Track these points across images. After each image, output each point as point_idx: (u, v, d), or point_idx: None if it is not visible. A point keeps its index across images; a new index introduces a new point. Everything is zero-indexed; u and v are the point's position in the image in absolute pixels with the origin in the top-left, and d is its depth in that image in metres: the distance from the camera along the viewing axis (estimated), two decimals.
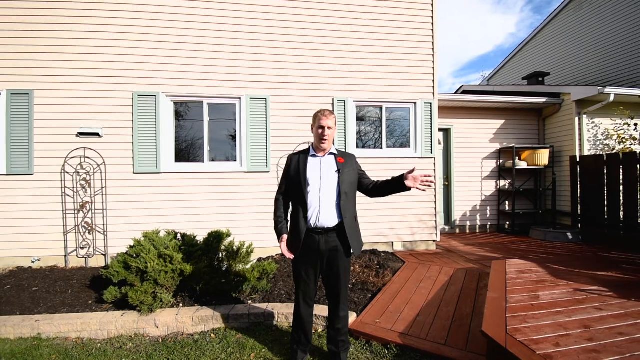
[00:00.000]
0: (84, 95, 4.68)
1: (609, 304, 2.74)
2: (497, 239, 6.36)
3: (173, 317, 2.99)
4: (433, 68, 5.51)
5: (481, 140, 7.04)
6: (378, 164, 5.26)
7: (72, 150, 4.64)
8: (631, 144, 6.25)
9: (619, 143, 6.32)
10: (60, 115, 4.63)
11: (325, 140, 2.28)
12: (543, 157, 6.71)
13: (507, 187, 7.11)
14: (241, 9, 5.02)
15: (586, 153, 6.33)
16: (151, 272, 3.09)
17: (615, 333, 2.24)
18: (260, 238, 4.70)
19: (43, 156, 4.59)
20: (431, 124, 5.49)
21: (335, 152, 2.37)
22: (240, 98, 5.02)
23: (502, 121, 7.10)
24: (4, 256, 4.51)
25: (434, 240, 5.56)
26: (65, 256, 4.61)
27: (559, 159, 6.85)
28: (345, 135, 5.26)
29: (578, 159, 6.01)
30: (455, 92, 9.06)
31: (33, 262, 4.56)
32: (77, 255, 4.64)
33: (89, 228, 4.64)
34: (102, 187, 4.68)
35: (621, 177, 5.20)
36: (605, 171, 5.44)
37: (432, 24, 5.52)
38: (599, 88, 5.88)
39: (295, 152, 2.50)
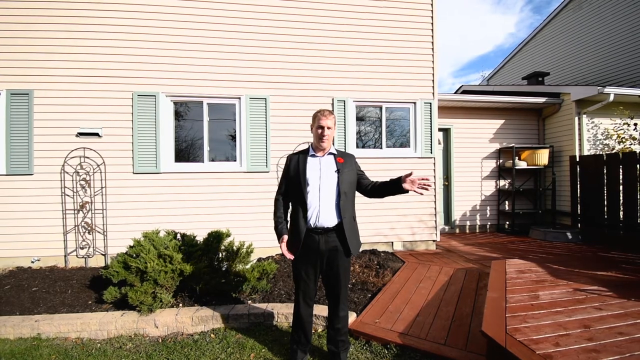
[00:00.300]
0: (83, 95, 4.68)
1: (608, 304, 2.74)
2: (496, 238, 6.36)
3: (173, 317, 2.99)
4: (433, 68, 5.51)
5: (481, 140, 7.05)
6: (378, 164, 5.26)
7: (72, 150, 4.64)
8: (631, 144, 6.25)
9: (619, 143, 6.32)
10: (60, 115, 4.63)
11: (325, 140, 2.28)
12: (543, 157, 6.71)
13: (506, 187, 7.11)
14: (241, 9, 5.02)
15: (586, 153, 6.33)
16: (151, 272, 3.09)
17: (615, 333, 2.24)
18: (260, 238, 4.70)
19: (43, 156, 4.59)
20: (431, 123, 5.49)
21: (335, 152, 2.37)
22: (240, 98, 5.02)
23: (502, 121, 7.10)
24: (3, 256, 4.51)
25: (433, 240, 5.56)
26: (65, 256, 4.61)
27: (558, 158, 6.85)
28: (345, 135, 5.26)
29: (578, 159, 6.01)
30: (455, 92, 9.07)
31: (33, 262, 4.56)
32: (76, 256, 4.63)
33: (89, 228, 4.63)
34: (102, 187, 4.68)
35: (621, 176, 5.20)
36: (605, 171, 5.44)
37: (432, 23, 5.52)
38: (598, 88, 5.88)
39: (294, 152, 2.50)
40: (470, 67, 49.02)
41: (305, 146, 4.97)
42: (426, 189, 2.23)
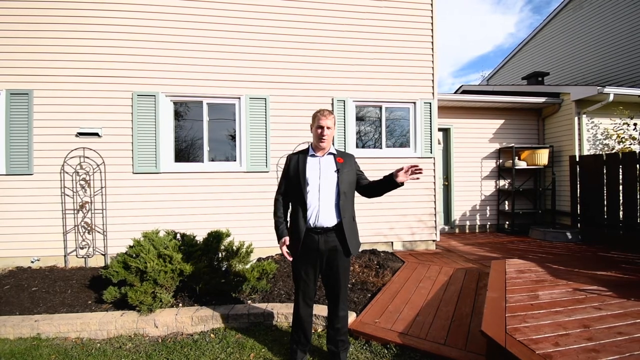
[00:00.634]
0: (83, 95, 4.68)
1: (608, 304, 2.74)
2: (496, 238, 6.36)
3: (172, 317, 2.99)
4: (433, 68, 5.51)
5: (481, 140, 7.05)
6: (378, 164, 5.25)
7: (72, 150, 4.64)
8: (630, 144, 6.25)
9: (619, 143, 6.33)
10: (60, 115, 4.63)
11: (324, 140, 2.28)
12: (542, 157, 6.71)
13: (506, 186, 7.11)
14: (241, 9, 5.02)
15: (586, 153, 6.33)
16: (150, 272, 3.09)
17: (614, 332, 2.24)
18: (259, 238, 4.70)
19: (42, 156, 4.59)
20: (431, 123, 5.49)
21: (335, 152, 2.38)
22: (239, 98, 5.02)
23: (502, 121, 7.10)
24: (3, 256, 4.50)
25: (433, 240, 5.56)
26: (65, 256, 4.61)
27: (558, 158, 6.85)
28: (344, 135, 5.26)
29: (577, 159, 6.01)
30: (455, 92, 9.07)
31: (32, 262, 4.55)
32: (76, 255, 4.63)
33: (89, 228, 4.63)
34: (102, 187, 4.68)
35: (620, 176, 5.20)
36: (605, 171, 5.44)
37: (432, 23, 5.52)
38: (598, 88, 5.88)
39: (294, 152, 2.50)
40: (470, 67, 49.05)
41: (305, 146, 4.97)
42: (420, 173, 2.20)
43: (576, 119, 6.37)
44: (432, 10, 5.51)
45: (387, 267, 4.29)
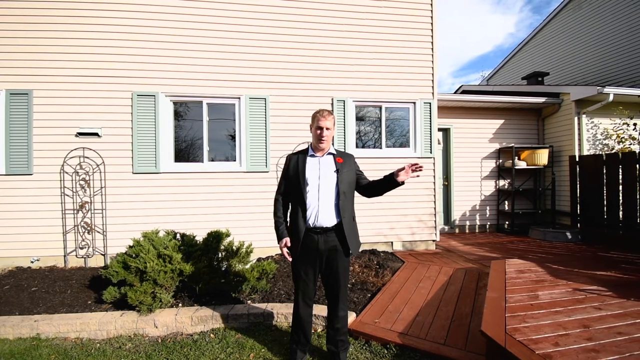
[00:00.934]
0: (83, 95, 4.68)
1: (608, 304, 2.74)
2: (496, 238, 6.36)
3: (172, 317, 2.99)
4: (432, 68, 5.51)
5: (481, 140, 7.05)
6: (377, 164, 5.25)
7: (71, 150, 4.63)
8: (630, 144, 6.26)
9: (618, 143, 6.33)
10: (60, 115, 4.63)
11: (324, 140, 2.28)
12: (542, 157, 6.71)
13: (506, 186, 7.11)
14: (240, 9, 5.02)
15: (585, 153, 6.33)
16: (150, 272, 3.09)
17: (614, 332, 2.24)
18: (259, 238, 4.70)
19: (42, 156, 4.59)
20: (430, 123, 5.49)
21: (334, 152, 2.37)
22: (239, 98, 5.02)
23: (502, 121, 7.10)
24: (3, 256, 4.50)
25: (433, 240, 5.56)
26: (65, 256, 4.61)
27: (558, 158, 6.85)
28: (344, 135, 5.26)
29: (577, 159, 6.01)
30: (455, 92, 9.07)
31: (32, 262, 4.55)
32: (76, 256, 4.63)
33: (88, 228, 4.63)
34: (102, 187, 4.67)
35: (620, 176, 5.20)
36: (605, 171, 5.44)
37: (432, 23, 5.52)
38: (598, 88, 5.88)
39: (294, 152, 2.50)
40: (470, 67, 49.04)
41: (304, 146, 4.97)
42: (420, 170, 2.17)
43: (576, 119, 6.37)
44: (431, 10, 5.51)
45: (387, 267, 4.29)
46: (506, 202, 7.11)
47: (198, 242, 3.58)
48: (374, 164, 5.19)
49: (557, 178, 6.77)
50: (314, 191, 2.25)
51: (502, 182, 7.12)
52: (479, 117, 7.01)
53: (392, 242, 5.44)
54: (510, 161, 6.87)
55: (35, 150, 4.57)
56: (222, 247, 3.66)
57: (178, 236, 3.68)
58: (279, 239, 2.36)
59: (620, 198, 5.23)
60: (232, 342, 2.78)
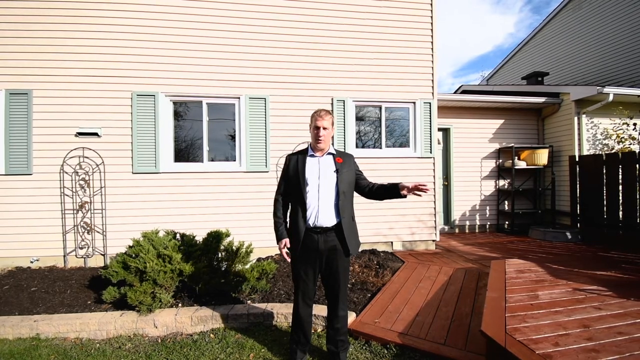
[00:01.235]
0: (82, 95, 4.68)
1: (608, 304, 2.74)
2: (496, 238, 6.36)
3: (172, 317, 2.98)
4: (432, 68, 5.51)
5: (480, 140, 7.05)
6: (377, 164, 5.26)
7: (71, 150, 4.63)
8: (630, 144, 6.26)
9: (618, 143, 6.33)
10: (59, 115, 4.62)
11: (321, 140, 2.28)
12: (542, 157, 6.71)
13: (506, 186, 7.11)
14: (241, 9, 5.01)
15: (585, 153, 6.33)
16: (150, 272, 3.08)
17: (614, 332, 2.24)
18: (259, 238, 4.70)
19: (42, 156, 4.58)
20: (430, 123, 5.49)
21: (334, 152, 2.37)
22: (239, 98, 5.02)
23: (502, 121, 7.10)
24: (2, 256, 4.50)
25: (433, 240, 5.56)
26: (64, 256, 4.60)
27: (558, 158, 6.85)
28: (344, 135, 5.26)
29: (577, 159, 6.01)
30: (455, 92, 9.07)
31: (32, 262, 4.55)
32: (76, 256, 4.63)
33: (88, 228, 4.63)
34: (101, 187, 4.67)
35: (620, 176, 5.20)
36: (605, 171, 5.44)
37: (432, 23, 5.52)
38: (598, 88, 5.88)
39: (293, 152, 2.49)
40: (470, 67, 49.04)
41: (304, 146, 4.95)
42: (425, 191, 2.19)
43: (576, 119, 6.37)
44: (431, 10, 5.51)
45: (386, 267, 4.29)
46: (506, 202, 7.11)
47: (198, 242, 3.57)
48: (373, 164, 5.19)
49: (557, 178, 6.77)
50: (313, 191, 2.25)
51: (502, 182, 7.12)
52: (479, 117, 7.01)
53: (392, 242, 5.44)
54: (510, 161, 6.87)
55: (34, 150, 4.57)
56: (222, 247, 3.66)
57: (178, 236, 3.68)
58: (279, 239, 2.36)
59: (620, 198, 5.23)
60: (232, 342, 2.78)
